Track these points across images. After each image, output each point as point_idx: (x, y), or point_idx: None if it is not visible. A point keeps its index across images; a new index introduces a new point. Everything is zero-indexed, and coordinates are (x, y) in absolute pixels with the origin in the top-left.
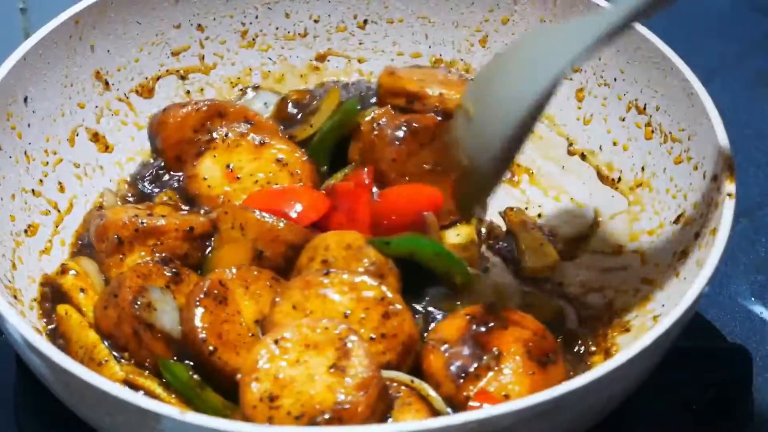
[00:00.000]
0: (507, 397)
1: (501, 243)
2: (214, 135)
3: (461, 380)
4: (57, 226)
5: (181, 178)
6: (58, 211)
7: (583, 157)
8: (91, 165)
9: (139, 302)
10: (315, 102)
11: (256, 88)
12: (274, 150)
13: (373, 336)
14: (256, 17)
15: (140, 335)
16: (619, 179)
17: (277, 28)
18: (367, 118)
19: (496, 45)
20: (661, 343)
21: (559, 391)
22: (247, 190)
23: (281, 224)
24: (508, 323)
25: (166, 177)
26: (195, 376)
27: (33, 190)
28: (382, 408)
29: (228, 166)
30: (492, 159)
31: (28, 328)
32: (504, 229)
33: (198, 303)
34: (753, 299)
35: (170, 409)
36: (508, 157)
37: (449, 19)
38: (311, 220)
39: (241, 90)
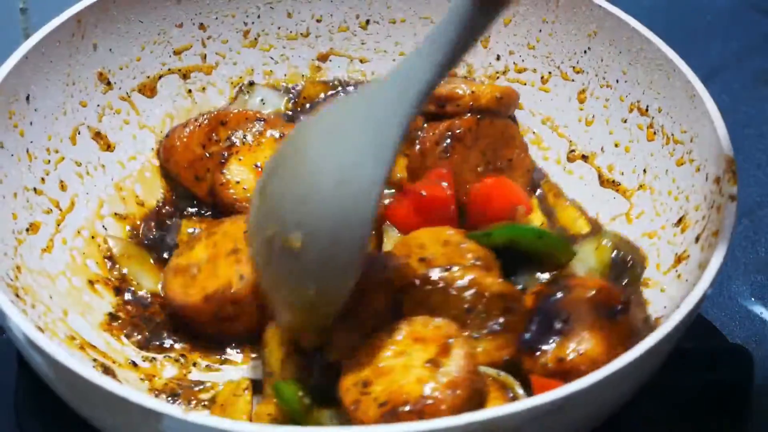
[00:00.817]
0: (582, 356)
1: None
2: (234, 139)
3: (537, 353)
4: (58, 225)
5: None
6: (60, 209)
7: (584, 158)
8: (93, 163)
9: None
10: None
11: (250, 85)
12: None
13: (497, 328)
14: (258, 17)
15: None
16: (621, 181)
17: (279, 28)
18: None
19: (498, 46)
20: (663, 346)
21: (563, 393)
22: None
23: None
24: (572, 289)
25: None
26: (304, 398)
27: (35, 189)
28: (470, 410)
29: (257, 166)
30: (347, 282)
31: (30, 326)
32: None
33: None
34: (753, 299)
35: (172, 408)
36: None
37: None
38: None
39: (239, 90)
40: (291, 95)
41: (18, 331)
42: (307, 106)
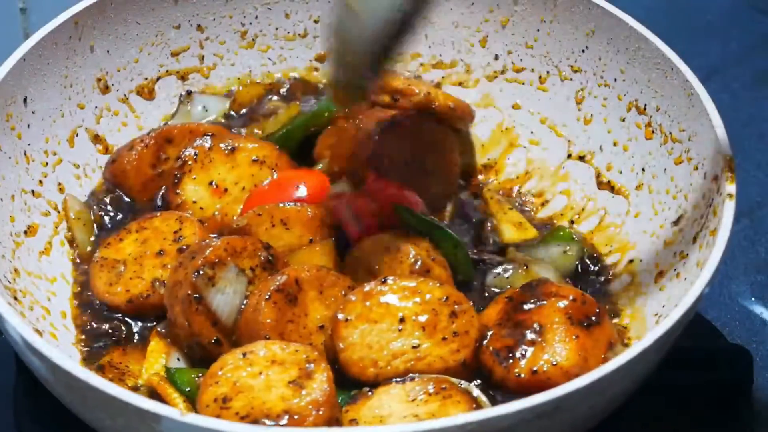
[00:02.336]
0: (556, 367)
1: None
2: (185, 158)
3: (510, 361)
4: (56, 227)
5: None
6: (58, 211)
7: (582, 158)
8: (91, 165)
9: (201, 271)
10: (266, 106)
11: (188, 94)
12: (245, 153)
13: (446, 337)
14: (256, 17)
15: (189, 303)
16: (619, 180)
17: (276, 29)
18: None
19: (496, 45)
20: (661, 344)
21: (559, 392)
22: (238, 199)
23: (321, 209)
24: (547, 297)
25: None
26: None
27: (33, 191)
28: None
29: (211, 183)
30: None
31: (28, 329)
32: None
33: (269, 297)
34: (753, 299)
35: (170, 410)
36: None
37: (449, 19)
38: (323, 196)
39: (179, 101)
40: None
41: (15, 334)
42: (243, 111)
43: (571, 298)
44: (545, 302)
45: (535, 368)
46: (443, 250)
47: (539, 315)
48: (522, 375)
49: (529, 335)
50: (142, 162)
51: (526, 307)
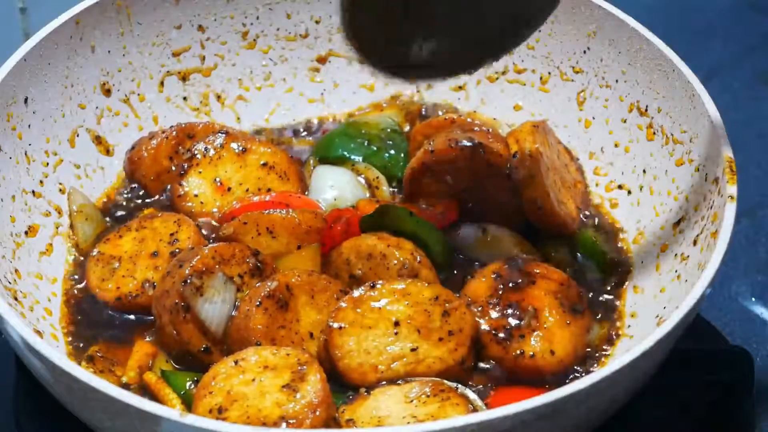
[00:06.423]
0: (554, 354)
1: None
2: (194, 152)
3: (508, 342)
4: (57, 228)
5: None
6: (59, 212)
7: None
8: (92, 166)
9: (189, 281)
10: None
11: None
12: (256, 155)
13: (442, 337)
14: (257, 18)
15: (177, 312)
16: (621, 181)
17: (278, 29)
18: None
19: None
20: (662, 346)
21: (560, 394)
22: (240, 200)
23: (306, 215)
24: (535, 277)
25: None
26: (193, 388)
27: (33, 191)
28: None
29: (216, 180)
30: None
31: (28, 329)
32: None
33: (260, 303)
34: (753, 299)
35: (170, 411)
36: None
37: None
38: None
39: None
40: None
41: (16, 335)
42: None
43: (558, 281)
44: (535, 283)
45: (532, 353)
46: (431, 250)
47: (531, 297)
48: (519, 357)
49: (526, 318)
50: (160, 152)
51: (513, 284)
